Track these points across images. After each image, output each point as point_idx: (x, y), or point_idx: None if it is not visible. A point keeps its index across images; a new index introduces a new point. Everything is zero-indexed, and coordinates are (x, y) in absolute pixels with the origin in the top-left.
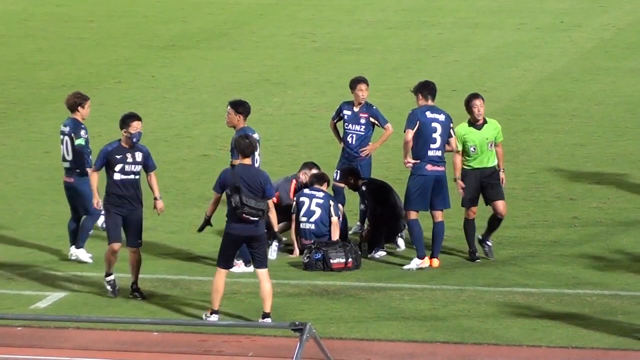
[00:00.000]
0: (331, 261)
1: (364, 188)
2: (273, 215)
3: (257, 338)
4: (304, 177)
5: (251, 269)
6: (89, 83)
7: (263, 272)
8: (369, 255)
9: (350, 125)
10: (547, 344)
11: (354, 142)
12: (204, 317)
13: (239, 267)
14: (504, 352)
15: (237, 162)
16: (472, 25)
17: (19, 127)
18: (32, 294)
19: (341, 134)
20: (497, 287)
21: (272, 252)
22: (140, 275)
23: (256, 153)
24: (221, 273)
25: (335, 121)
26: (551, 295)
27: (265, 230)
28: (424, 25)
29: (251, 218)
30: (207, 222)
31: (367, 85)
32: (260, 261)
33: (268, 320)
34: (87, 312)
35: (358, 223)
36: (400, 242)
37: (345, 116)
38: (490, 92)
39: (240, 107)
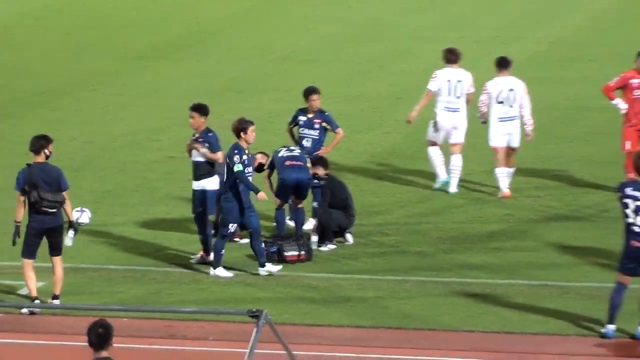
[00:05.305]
0: (285, 253)
1: (323, 182)
2: (68, 207)
3: (218, 324)
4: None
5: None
6: (66, 91)
7: (58, 259)
8: (320, 248)
9: (305, 130)
10: (481, 329)
11: (309, 145)
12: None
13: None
14: (442, 337)
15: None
16: (416, 38)
17: (1, 129)
18: (13, 284)
19: (296, 138)
20: (437, 278)
21: (69, 239)
22: (112, 266)
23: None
24: (28, 263)
25: (291, 126)
26: (485, 285)
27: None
28: (372, 38)
29: (49, 210)
30: (18, 230)
31: (319, 94)
32: (56, 249)
33: (57, 301)
34: (62, 300)
35: (311, 219)
36: (349, 237)
37: (301, 121)
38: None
39: (204, 110)
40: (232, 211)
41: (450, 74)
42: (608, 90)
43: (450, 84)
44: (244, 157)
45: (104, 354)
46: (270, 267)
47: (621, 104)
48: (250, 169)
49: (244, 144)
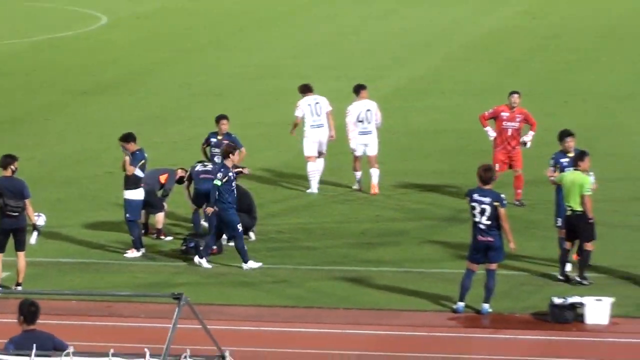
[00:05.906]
0: (201, 248)
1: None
2: (30, 212)
3: (148, 305)
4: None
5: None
6: (25, 120)
7: (22, 254)
8: (229, 243)
9: (216, 149)
10: (357, 307)
11: (220, 162)
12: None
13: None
14: (326, 314)
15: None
16: (305, 76)
17: None
18: None
19: (209, 156)
20: (322, 267)
21: (34, 239)
22: (63, 260)
23: (141, 167)
24: None
25: (204, 146)
26: (360, 272)
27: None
28: (270, 77)
29: (12, 214)
30: None
31: (227, 120)
32: (20, 245)
33: (20, 288)
34: (23, 286)
35: None
36: (252, 234)
37: (212, 142)
38: None
39: (129, 137)
40: (232, 216)
41: (309, 100)
42: (482, 119)
43: (311, 107)
44: (229, 174)
45: (32, 327)
46: (252, 264)
47: (491, 132)
48: (234, 184)
49: (229, 163)
